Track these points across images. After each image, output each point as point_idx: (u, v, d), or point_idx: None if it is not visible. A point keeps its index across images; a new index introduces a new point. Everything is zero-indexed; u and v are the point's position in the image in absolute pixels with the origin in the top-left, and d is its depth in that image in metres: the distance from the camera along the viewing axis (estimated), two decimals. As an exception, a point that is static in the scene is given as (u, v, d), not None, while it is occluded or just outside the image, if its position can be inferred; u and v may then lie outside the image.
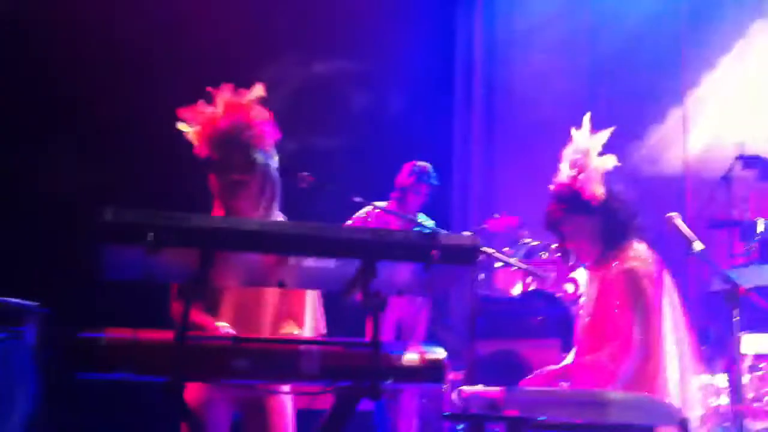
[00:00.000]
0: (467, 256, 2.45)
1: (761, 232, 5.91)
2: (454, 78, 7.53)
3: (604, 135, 3.30)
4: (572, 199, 3.25)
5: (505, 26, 7.64)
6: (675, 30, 7.04)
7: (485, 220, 5.51)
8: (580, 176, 3.26)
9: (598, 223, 3.23)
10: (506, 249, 5.57)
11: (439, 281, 2.54)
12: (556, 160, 3.45)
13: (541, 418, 2.66)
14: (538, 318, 5.34)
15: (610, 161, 3.31)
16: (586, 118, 3.36)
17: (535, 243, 5.56)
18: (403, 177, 5.67)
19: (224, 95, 3.21)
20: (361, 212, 5.53)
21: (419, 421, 4.96)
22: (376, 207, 5.12)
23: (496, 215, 5.46)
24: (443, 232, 3.60)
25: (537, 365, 4.72)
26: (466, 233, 4.58)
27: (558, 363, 3.53)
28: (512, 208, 6.68)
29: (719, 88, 7.24)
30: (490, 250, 3.54)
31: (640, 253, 3.16)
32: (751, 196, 6.34)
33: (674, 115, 7.19)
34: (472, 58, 7.57)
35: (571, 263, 3.41)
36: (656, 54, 7.00)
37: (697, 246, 3.03)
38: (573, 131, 3.37)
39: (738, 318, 2.88)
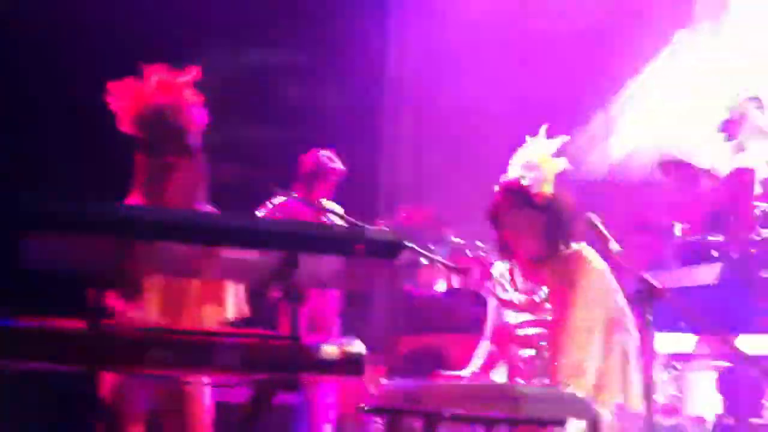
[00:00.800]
0: (391, 250, 2.47)
1: (678, 236, 6.10)
2: (385, 71, 7.48)
3: (559, 140, 3.36)
4: (520, 194, 3.30)
5: (439, 19, 7.62)
6: (601, 34, 7.16)
7: (398, 213, 5.46)
8: (530, 173, 3.32)
9: (543, 221, 3.28)
10: (431, 246, 5.61)
11: (361, 275, 2.56)
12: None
13: (457, 411, 2.69)
14: (463, 314, 5.40)
15: (562, 163, 3.37)
16: (543, 129, 3.43)
17: (460, 240, 5.61)
18: (309, 165, 5.59)
19: (158, 73, 3.16)
20: (269, 204, 5.42)
21: (337, 415, 4.97)
22: (289, 196, 5.09)
23: (408, 209, 5.43)
24: (359, 222, 3.58)
25: (460, 361, 4.80)
26: (380, 226, 4.62)
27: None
28: (442, 202, 6.74)
29: (643, 93, 7.44)
30: (412, 245, 3.55)
31: (589, 252, 3.23)
32: (671, 200, 6.53)
33: (598, 119, 7.36)
34: (404, 50, 7.54)
35: (505, 259, 3.46)
36: (581, 57, 7.10)
37: (614, 246, 3.11)
38: (528, 138, 3.43)
39: (651, 318, 2.96)
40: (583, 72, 7.08)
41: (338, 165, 5.61)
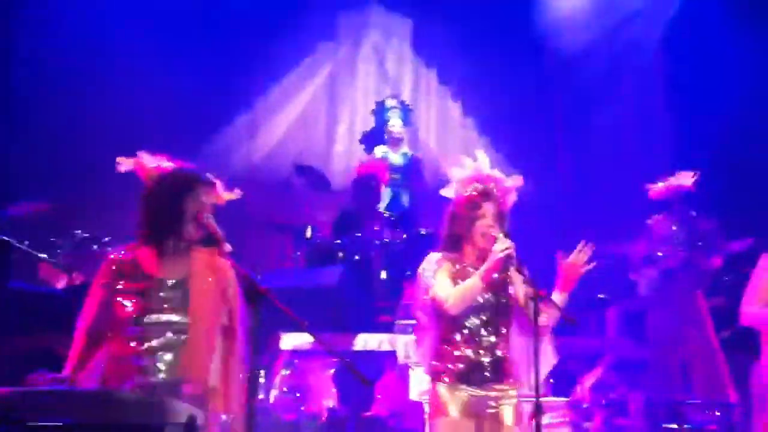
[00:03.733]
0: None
1: (309, 238, 6.35)
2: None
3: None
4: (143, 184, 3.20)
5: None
6: (245, 39, 7.21)
7: (10, 204, 4.96)
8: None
9: (143, 211, 3.19)
10: (54, 239, 5.25)
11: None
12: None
13: (53, 421, 2.49)
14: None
15: (159, 163, 3.26)
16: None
17: (84, 235, 5.32)
18: None
19: None
20: None
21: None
22: None
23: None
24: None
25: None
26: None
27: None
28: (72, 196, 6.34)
29: (286, 99, 7.66)
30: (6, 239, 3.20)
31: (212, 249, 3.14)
32: (305, 203, 6.78)
33: (242, 120, 7.42)
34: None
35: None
36: (227, 59, 7.09)
37: (226, 247, 3.09)
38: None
39: (259, 316, 2.97)
40: (227, 74, 7.07)
41: None
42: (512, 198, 3.65)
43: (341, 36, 8.05)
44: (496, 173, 3.67)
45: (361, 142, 7.48)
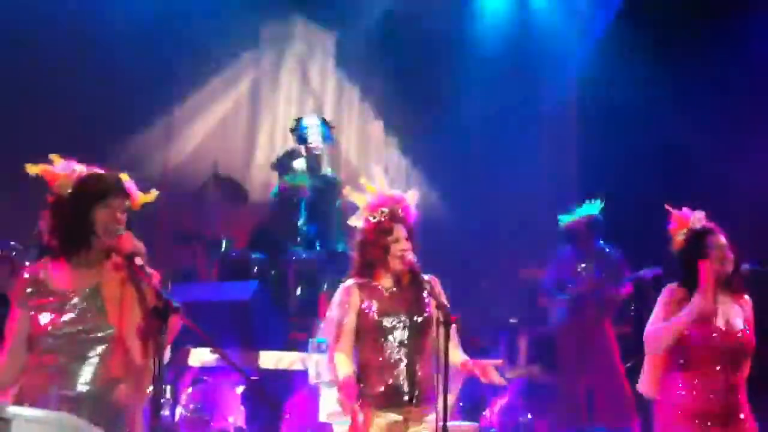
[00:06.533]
0: None
1: (224, 251, 6.20)
2: None
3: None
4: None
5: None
6: (168, 41, 7.00)
7: None
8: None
9: (53, 221, 3.06)
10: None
11: None
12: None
13: None
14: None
15: (70, 169, 3.12)
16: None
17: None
18: None
19: None
20: None
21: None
22: None
23: None
24: None
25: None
26: None
27: None
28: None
29: (205, 106, 7.49)
30: None
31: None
32: (220, 215, 6.63)
33: (160, 124, 7.22)
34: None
35: None
36: (151, 60, 6.87)
37: (138, 261, 2.97)
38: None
39: (165, 335, 2.87)
40: (146, 77, 6.85)
41: None
42: (414, 213, 3.64)
43: (265, 45, 7.94)
44: (397, 193, 3.66)
45: (274, 168, 6.98)
